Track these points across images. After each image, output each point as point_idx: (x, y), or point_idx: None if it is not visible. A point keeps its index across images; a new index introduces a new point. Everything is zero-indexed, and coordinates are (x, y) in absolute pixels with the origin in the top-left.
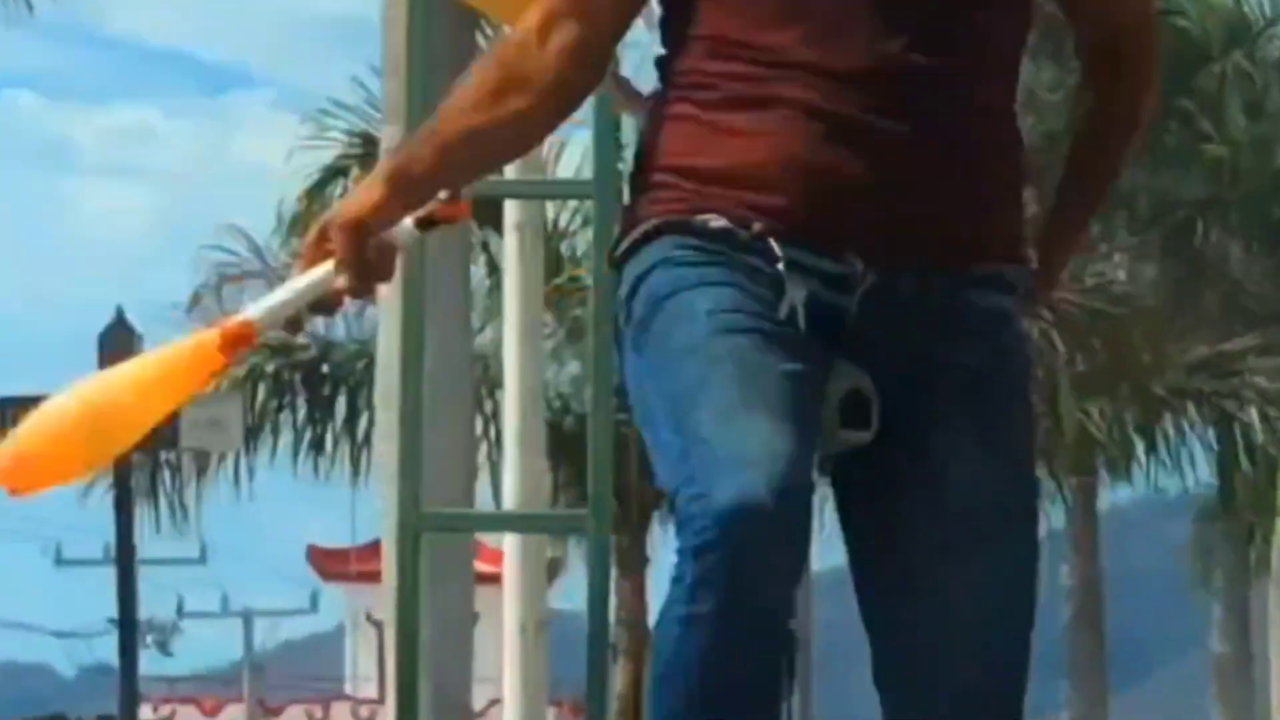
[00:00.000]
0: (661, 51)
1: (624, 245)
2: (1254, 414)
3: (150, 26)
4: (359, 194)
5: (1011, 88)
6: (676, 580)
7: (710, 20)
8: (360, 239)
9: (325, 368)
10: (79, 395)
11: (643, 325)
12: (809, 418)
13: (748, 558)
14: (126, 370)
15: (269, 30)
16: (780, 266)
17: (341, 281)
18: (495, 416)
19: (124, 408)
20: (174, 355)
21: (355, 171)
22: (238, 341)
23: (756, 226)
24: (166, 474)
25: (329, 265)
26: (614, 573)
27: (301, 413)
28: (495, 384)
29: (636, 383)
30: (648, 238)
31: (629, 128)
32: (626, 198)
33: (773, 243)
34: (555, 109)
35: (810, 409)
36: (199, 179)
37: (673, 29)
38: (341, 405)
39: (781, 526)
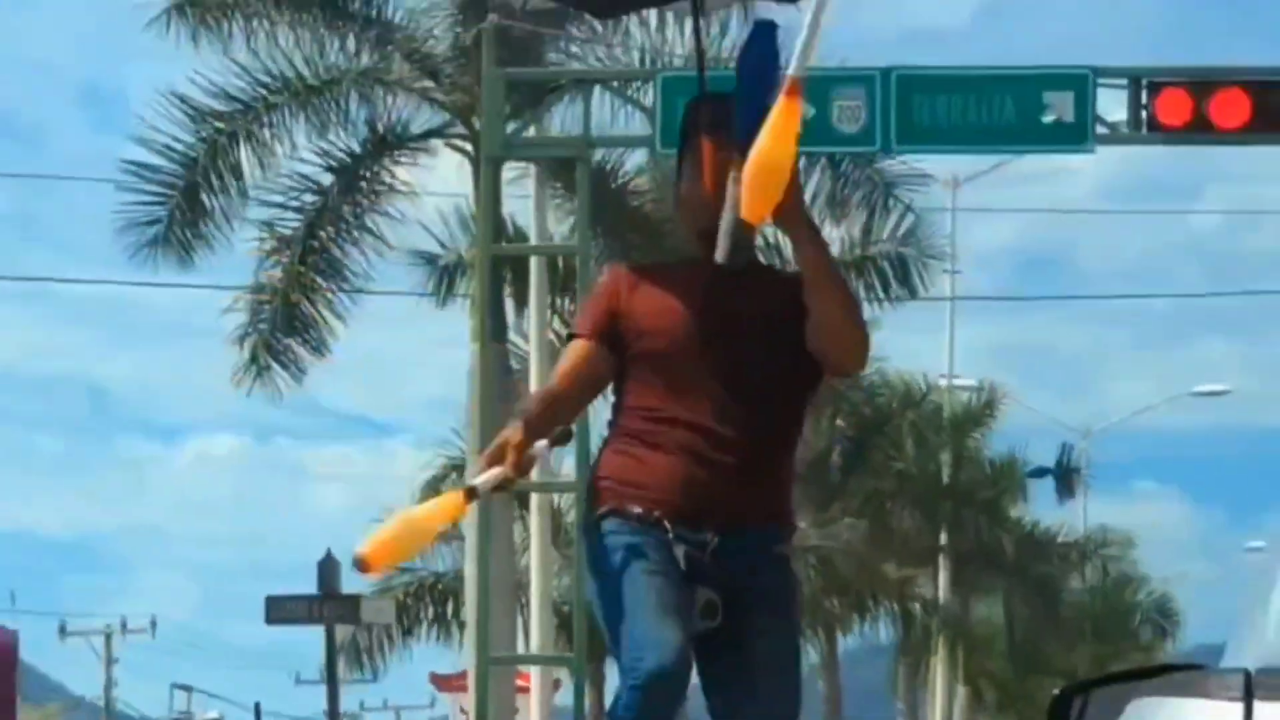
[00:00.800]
0: (610, 409)
1: (589, 520)
2: (918, 608)
3: (346, 400)
4: (512, 430)
5: (797, 429)
6: (619, 699)
7: (632, 396)
8: (520, 451)
9: (439, 585)
10: (399, 519)
11: (597, 565)
12: (688, 619)
13: (658, 696)
14: (416, 509)
15: (410, 403)
16: (670, 537)
17: (510, 472)
18: (525, 606)
19: (418, 528)
20: (438, 503)
21: (450, 479)
22: (469, 498)
23: (655, 514)
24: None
25: (499, 469)
26: (587, 685)
27: (425, 608)
28: (526, 589)
29: (595, 595)
30: (601, 517)
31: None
32: (589, 490)
33: (666, 524)
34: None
35: (688, 614)
36: (373, 482)
37: (617, 399)
38: (445, 603)
39: (676, 680)
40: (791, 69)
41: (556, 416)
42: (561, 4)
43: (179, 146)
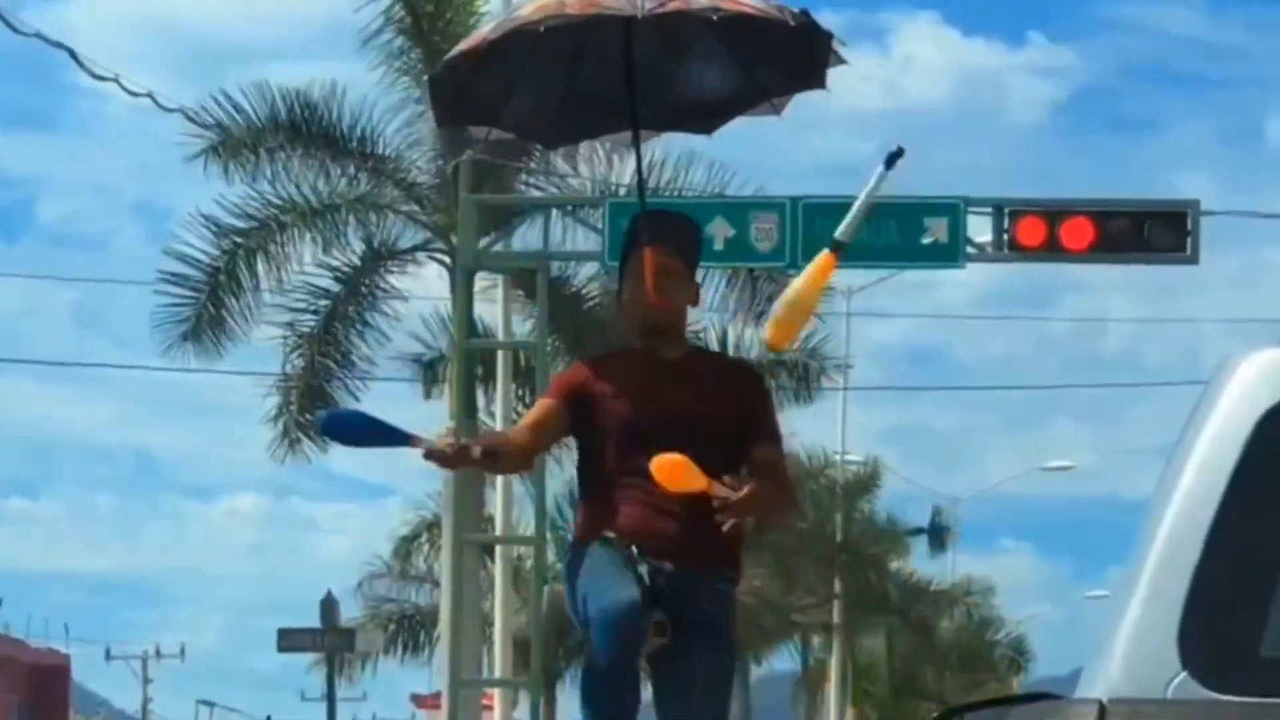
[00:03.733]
0: (577, 465)
1: (570, 549)
2: (815, 640)
3: (351, 467)
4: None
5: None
6: (593, 634)
7: (596, 463)
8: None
9: (417, 617)
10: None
11: (572, 570)
12: (643, 586)
13: (624, 627)
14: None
15: (398, 467)
16: (634, 554)
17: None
18: (490, 638)
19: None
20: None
21: (425, 536)
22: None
23: (624, 540)
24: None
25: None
26: (542, 703)
27: (408, 638)
28: (490, 624)
29: (571, 596)
30: (578, 543)
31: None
32: (574, 536)
33: (634, 549)
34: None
35: (644, 586)
36: (367, 536)
37: (582, 467)
38: (423, 634)
39: (637, 613)
40: (838, 233)
41: (506, 446)
42: (517, 136)
43: (204, 259)
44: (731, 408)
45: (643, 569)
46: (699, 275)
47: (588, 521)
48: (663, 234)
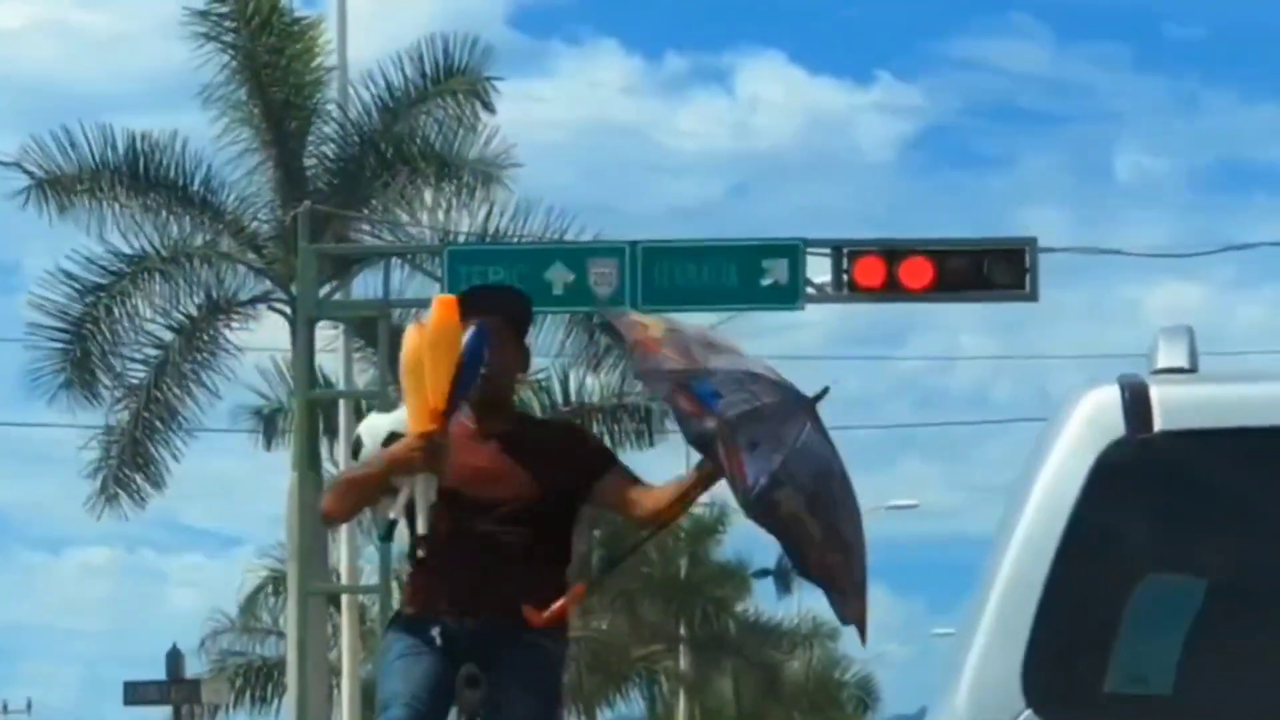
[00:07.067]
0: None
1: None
2: (664, 683)
3: (199, 516)
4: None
5: (556, 547)
6: None
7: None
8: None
9: (264, 668)
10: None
11: (377, 661)
12: (434, 681)
13: None
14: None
15: (248, 517)
16: (427, 622)
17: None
18: (337, 687)
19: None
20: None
21: (271, 588)
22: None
23: (421, 612)
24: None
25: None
26: None
27: (254, 690)
28: (338, 673)
29: (377, 668)
30: (389, 627)
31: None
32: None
33: (426, 616)
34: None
35: (437, 679)
36: (217, 589)
37: (410, 531)
38: (271, 685)
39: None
40: None
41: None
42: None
43: (70, 313)
44: (557, 476)
45: (435, 631)
46: (530, 336)
47: (406, 590)
48: (492, 306)
